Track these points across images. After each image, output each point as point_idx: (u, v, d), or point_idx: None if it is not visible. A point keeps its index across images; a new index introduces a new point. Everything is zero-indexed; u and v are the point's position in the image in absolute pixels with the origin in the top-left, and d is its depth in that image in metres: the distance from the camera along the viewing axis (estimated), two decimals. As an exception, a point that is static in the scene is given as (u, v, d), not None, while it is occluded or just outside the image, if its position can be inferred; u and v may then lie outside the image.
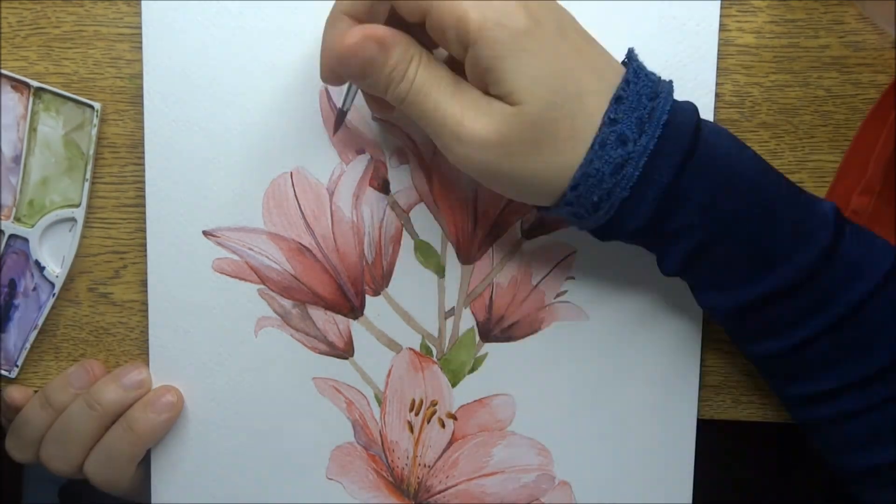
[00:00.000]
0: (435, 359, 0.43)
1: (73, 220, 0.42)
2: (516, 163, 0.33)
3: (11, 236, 0.42)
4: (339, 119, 0.39)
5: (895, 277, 0.35)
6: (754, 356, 0.38)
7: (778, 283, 0.35)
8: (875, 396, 0.36)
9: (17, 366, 0.43)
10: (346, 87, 0.38)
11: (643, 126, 0.33)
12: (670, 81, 0.35)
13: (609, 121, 0.33)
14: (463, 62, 0.33)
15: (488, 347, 0.43)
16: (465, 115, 0.33)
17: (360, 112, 0.41)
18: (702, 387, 0.43)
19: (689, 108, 0.35)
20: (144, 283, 0.43)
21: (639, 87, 0.34)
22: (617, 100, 0.33)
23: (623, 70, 0.34)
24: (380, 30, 0.33)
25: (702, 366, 0.43)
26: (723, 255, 0.35)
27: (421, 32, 0.34)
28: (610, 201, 0.34)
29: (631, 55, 0.35)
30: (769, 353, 0.37)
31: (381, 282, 0.42)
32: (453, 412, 0.43)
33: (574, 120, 0.33)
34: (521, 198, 0.36)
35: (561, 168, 0.33)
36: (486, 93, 0.33)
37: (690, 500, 0.43)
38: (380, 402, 0.43)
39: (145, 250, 0.42)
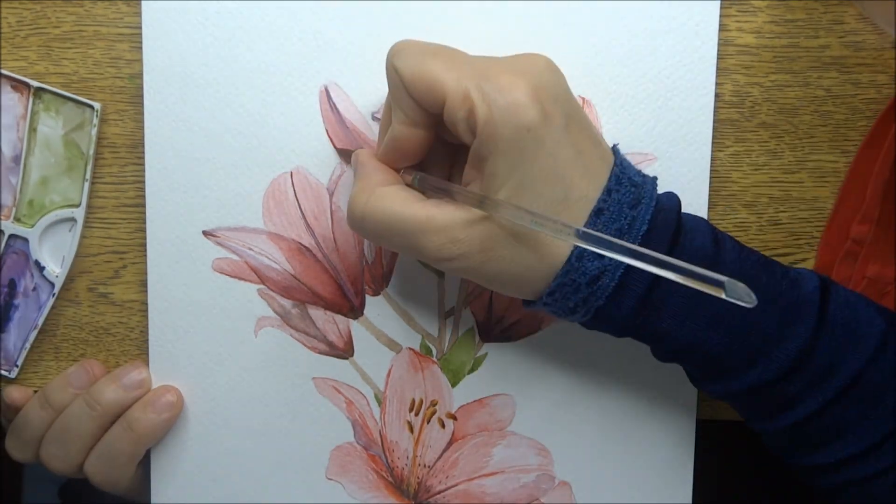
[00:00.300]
0: (435, 359, 0.43)
1: (73, 220, 0.42)
2: (497, 266, 0.33)
3: (11, 236, 0.42)
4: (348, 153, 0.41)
5: (891, 339, 0.35)
6: (758, 431, 0.38)
7: (766, 374, 0.34)
8: (879, 463, 0.35)
9: (17, 366, 0.43)
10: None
11: (622, 237, 0.32)
12: (654, 179, 0.34)
13: None
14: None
15: (488, 347, 0.43)
16: (436, 231, 0.33)
17: (360, 112, 0.41)
18: (702, 387, 0.43)
19: (671, 210, 0.34)
20: (144, 283, 0.43)
21: (620, 195, 0.33)
22: (597, 213, 0.33)
23: (610, 161, 0.34)
24: (364, 153, 0.37)
25: (702, 366, 0.43)
26: (707, 353, 0.35)
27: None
28: (585, 307, 0.34)
29: (616, 154, 0.35)
30: (765, 432, 0.37)
31: (380, 282, 0.42)
32: (453, 412, 0.43)
33: None
34: (502, 292, 0.36)
35: (540, 272, 0.33)
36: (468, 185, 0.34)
37: (690, 500, 0.43)
38: (380, 402, 0.43)
39: (145, 250, 0.42)
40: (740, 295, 0.28)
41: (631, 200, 0.33)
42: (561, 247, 0.33)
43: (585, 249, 0.32)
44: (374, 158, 0.37)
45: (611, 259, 0.32)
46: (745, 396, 0.36)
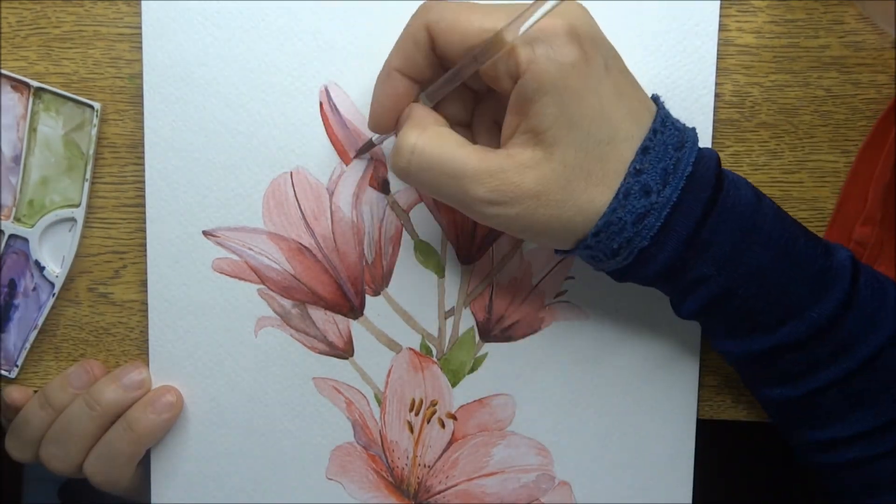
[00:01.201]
0: (435, 359, 0.43)
1: (73, 220, 0.42)
2: (548, 212, 0.33)
3: (11, 236, 0.42)
4: (364, 147, 0.40)
5: None
6: (766, 400, 0.38)
7: (796, 334, 0.34)
8: (890, 443, 0.35)
9: (17, 366, 0.43)
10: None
11: (667, 177, 0.33)
12: (694, 129, 0.35)
13: (634, 171, 0.33)
14: (509, 97, 0.33)
15: (488, 347, 0.43)
16: (488, 174, 0.33)
17: (360, 112, 0.41)
18: (702, 387, 0.43)
19: (712, 158, 0.34)
20: (144, 283, 0.43)
21: (665, 136, 0.33)
22: (643, 150, 0.33)
23: (655, 110, 0.34)
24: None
25: (702, 366, 0.43)
26: (740, 306, 0.35)
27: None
28: (629, 248, 0.34)
29: (657, 101, 0.35)
30: (781, 399, 0.37)
31: (380, 282, 0.42)
32: (453, 412, 0.43)
33: (605, 164, 0.33)
34: (540, 243, 0.36)
35: (587, 213, 0.33)
36: (513, 133, 0.33)
37: (690, 500, 0.43)
38: (380, 402, 0.43)
39: (145, 250, 0.42)
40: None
41: (676, 143, 0.33)
42: (609, 190, 0.33)
43: (632, 187, 0.33)
44: (421, 105, 0.36)
45: (657, 197, 0.33)
46: (767, 357, 0.36)
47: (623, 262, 0.35)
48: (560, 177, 0.33)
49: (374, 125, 0.37)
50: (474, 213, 0.34)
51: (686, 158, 0.33)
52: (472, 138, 0.38)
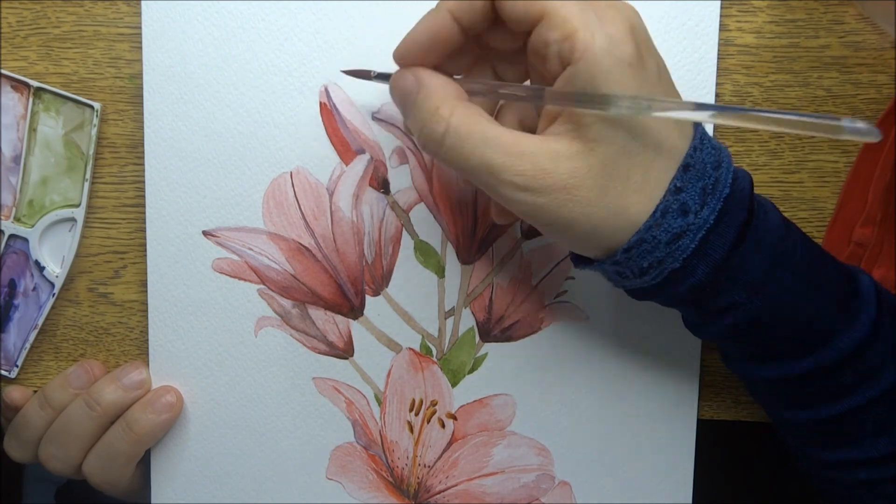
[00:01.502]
0: (435, 359, 0.43)
1: (73, 220, 0.42)
2: (577, 209, 0.31)
3: (11, 236, 0.42)
4: (360, 73, 0.38)
5: None
6: (781, 422, 0.37)
7: (822, 362, 0.34)
8: None
9: (16, 366, 0.43)
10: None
11: (706, 197, 0.31)
12: (727, 149, 0.34)
13: (674, 188, 0.31)
14: (551, 81, 0.32)
15: (488, 347, 0.43)
16: (520, 156, 0.31)
17: (360, 112, 0.41)
18: (702, 387, 0.43)
19: (746, 179, 0.33)
20: (144, 283, 0.43)
21: (704, 154, 0.32)
22: (685, 167, 0.31)
23: (691, 127, 0.33)
24: (420, 69, 0.34)
25: (702, 366, 0.42)
26: (767, 333, 0.34)
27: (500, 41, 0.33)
28: (659, 269, 0.32)
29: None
30: (798, 422, 0.36)
31: (381, 282, 0.42)
32: (453, 412, 0.43)
33: (647, 173, 0.31)
34: (563, 242, 0.34)
35: (618, 220, 0.31)
36: (550, 125, 0.32)
37: (690, 500, 0.43)
38: (380, 402, 0.43)
39: (145, 250, 0.42)
40: (861, 130, 0.27)
41: (714, 161, 0.32)
42: (645, 200, 0.31)
43: (671, 204, 0.31)
44: (439, 74, 0.34)
45: (694, 218, 0.31)
46: (790, 383, 0.35)
47: (650, 282, 0.33)
48: (597, 175, 0.31)
49: (401, 56, 0.34)
50: (501, 196, 0.32)
51: (724, 179, 0.32)
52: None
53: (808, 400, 0.35)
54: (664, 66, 0.32)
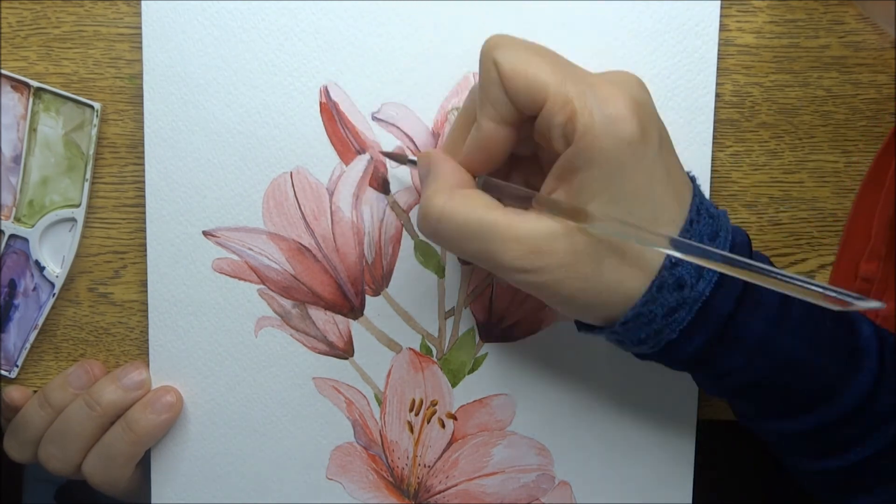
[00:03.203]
0: (435, 359, 0.43)
1: (73, 220, 0.42)
2: (576, 284, 0.32)
3: (11, 236, 0.42)
4: (398, 158, 0.40)
5: None
6: (791, 468, 0.37)
7: (827, 416, 0.34)
8: None
9: (16, 366, 0.43)
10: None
11: (701, 270, 0.31)
12: (726, 213, 0.34)
13: (670, 264, 0.31)
14: (549, 158, 0.32)
15: (488, 347, 0.43)
16: (517, 241, 0.31)
17: (360, 112, 0.41)
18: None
19: (744, 245, 0.33)
20: (144, 283, 0.43)
21: (700, 226, 0.32)
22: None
23: (692, 188, 0.33)
24: (435, 153, 0.35)
25: (702, 366, 0.43)
26: (769, 393, 0.34)
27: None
28: (656, 339, 0.33)
29: (693, 181, 0.34)
30: (807, 470, 0.36)
31: (381, 282, 0.42)
32: (453, 412, 0.43)
33: (644, 246, 0.31)
34: (566, 311, 0.34)
35: (615, 293, 0.32)
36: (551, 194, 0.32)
37: (690, 500, 0.43)
38: (380, 402, 0.43)
39: (145, 250, 0.42)
40: (870, 305, 0.26)
41: (710, 233, 0.32)
42: (641, 275, 0.31)
43: (667, 279, 0.31)
44: (450, 159, 0.35)
45: (690, 292, 0.31)
46: (799, 437, 0.35)
47: (649, 350, 0.34)
48: (593, 251, 0.31)
49: (446, 152, 0.36)
50: (503, 277, 0.33)
51: (720, 249, 0.32)
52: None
53: (815, 453, 0.35)
54: (666, 134, 0.32)
